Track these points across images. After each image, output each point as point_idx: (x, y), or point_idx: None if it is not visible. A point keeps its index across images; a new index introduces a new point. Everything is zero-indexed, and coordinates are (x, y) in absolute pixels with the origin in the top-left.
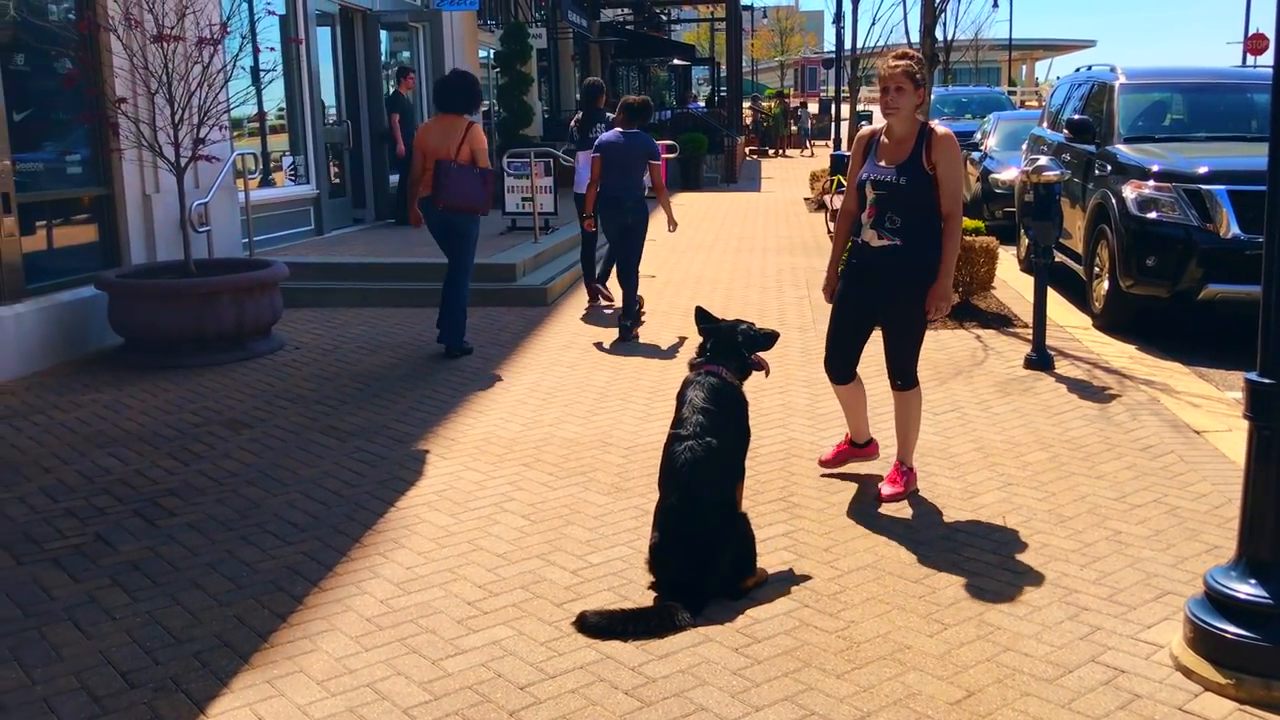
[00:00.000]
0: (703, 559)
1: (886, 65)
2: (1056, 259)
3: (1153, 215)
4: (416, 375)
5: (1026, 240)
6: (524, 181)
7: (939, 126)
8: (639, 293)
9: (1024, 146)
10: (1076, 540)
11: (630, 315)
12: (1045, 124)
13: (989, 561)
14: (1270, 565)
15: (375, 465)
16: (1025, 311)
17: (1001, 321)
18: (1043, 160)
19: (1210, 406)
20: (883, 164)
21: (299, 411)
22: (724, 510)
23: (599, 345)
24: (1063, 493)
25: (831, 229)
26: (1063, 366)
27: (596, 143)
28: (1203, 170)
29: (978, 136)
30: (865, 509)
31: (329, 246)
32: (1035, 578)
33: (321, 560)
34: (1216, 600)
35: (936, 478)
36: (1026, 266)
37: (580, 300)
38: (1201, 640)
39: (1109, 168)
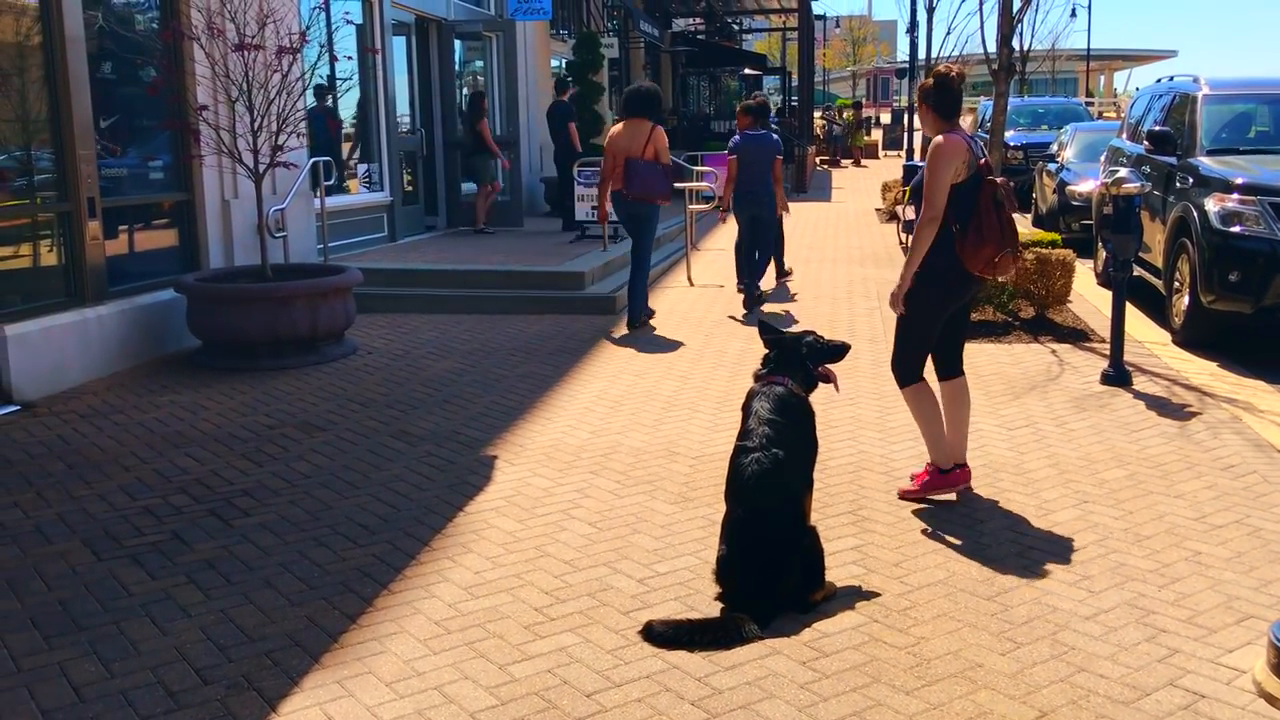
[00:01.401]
0: (770, 572)
1: None
2: (1135, 273)
3: (1236, 229)
4: (486, 381)
5: (1104, 253)
6: (594, 190)
7: (940, 136)
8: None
9: (1102, 158)
10: (1155, 560)
11: (760, 283)
12: (1124, 135)
13: (1064, 580)
14: None
15: (444, 470)
16: (1102, 326)
17: (1078, 336)
18: (1123, 172)
19: None
20: None
21: (370, 415)
22: (792, 523)
23: (732, 317)
24: (1140, 511)
25: (903, 239)
26: (1141, 383)
27: (732, 145)
28: None
29: (1054, 148)
30: (937, 524)
31: (402, 253)
32: (1112, 598)
33: (391, 563)
34: None
35: (1010, 494)
36: (1104, 280)
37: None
38: None
39: (1191, 180)
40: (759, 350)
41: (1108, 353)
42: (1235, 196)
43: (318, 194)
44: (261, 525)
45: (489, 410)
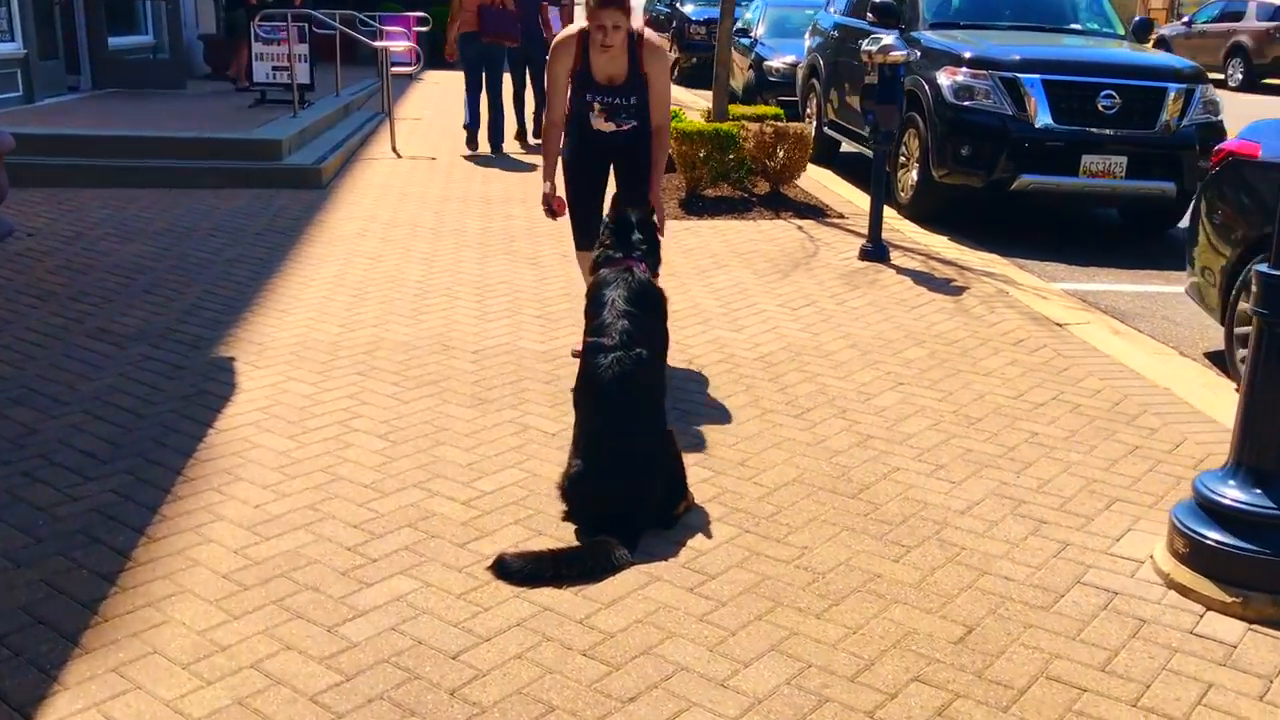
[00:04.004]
0: (636, 487)
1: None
2: (849, 148)
3: (968, 103)
4: (188, 267)
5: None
6: (275, 49)
7: (649, 34)
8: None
9: (807, 33)
10: (997, 444)
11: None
12: (833, 9)
13: (920, 471)
14: (1277, 473)
15: (172, 377)
16: (835, 201)
17: (815, 212)
18: (887, 39)
19: (1056, 300)
20: (604, 83)
21: (53, 311)
22: (656, 431)
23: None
24: (958, 391)
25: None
26: (897, 258)
27: None
28: (1017, 58)
29: (742, 24)
30: (764, 414)
31: (46, 116)
32: (975, 488)
33: (140, 500)
34: (1213, 511)
35: (824, 378)
36: (816, 156)
37: (359, 180)
38: (1198, 555)
39: (917, 54)
40: (502, 228)
41: (851, 228)
42: (966, 70)
43: None
44: None
45: (203, 301)
